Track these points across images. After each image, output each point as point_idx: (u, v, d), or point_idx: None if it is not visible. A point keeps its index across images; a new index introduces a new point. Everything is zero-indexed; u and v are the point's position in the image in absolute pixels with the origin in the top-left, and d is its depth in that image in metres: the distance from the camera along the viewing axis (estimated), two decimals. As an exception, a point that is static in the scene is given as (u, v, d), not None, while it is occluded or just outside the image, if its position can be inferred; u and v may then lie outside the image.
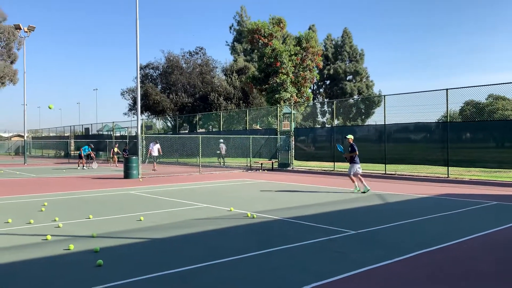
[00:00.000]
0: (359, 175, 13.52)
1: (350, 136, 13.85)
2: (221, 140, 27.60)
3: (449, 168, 18.25)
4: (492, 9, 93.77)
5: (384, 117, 20.65)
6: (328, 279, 4.84)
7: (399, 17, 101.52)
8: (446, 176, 18.07)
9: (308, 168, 24.52)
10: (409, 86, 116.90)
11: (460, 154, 18.07)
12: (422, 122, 19.88)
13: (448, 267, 5.36)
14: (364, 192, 13.13)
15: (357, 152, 13.54)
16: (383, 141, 20.58)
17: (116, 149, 29.96)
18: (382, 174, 20.05)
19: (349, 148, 13.58)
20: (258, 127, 31.84)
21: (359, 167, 13.53)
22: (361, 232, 7.38)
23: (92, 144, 29.29)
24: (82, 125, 49.96)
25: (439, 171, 19.21)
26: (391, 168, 20.69)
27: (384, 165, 20.51)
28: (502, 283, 4.79)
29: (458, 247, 6.41)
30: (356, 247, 6.40)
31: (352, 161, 13.56)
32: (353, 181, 13.55)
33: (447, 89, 18.09)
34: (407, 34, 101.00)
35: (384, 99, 21.00)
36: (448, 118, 18.92)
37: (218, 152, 27.66)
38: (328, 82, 65.20)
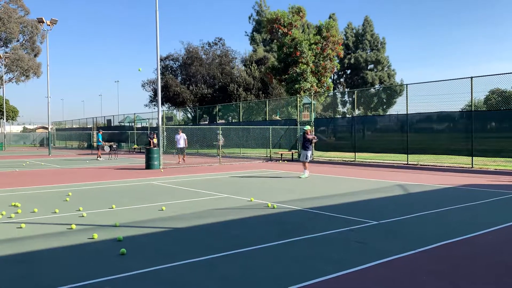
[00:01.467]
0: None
1: (308, 128, 15.60)
2: (219, 132, 27.77)
3: (474, 158, 17.87)
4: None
5: (407, 106, 20.30)
6: (350, 269, 4.81)
7: (421, 4, 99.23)
8: (470, 166, 17.71)
9: (329, 158, 24.37)
10: (432, 75, 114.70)
11: (485, 144, 17.66)
12: (446, 111, 19.47)
13: (472, 259, 5.26)
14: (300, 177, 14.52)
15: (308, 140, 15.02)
16: (405, 131, 20.25)
17: (155, 140, 25.85)
18: (405, 164, 19.77)
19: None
20: (277, 117, 31.77)
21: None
22: (383, 223, 7.31)
23: (102, 130, 28.82)
24: (104, 116, 50.79)
25: (463, 161, 18.83)
26: (414, 159, 20.37)
27: (406, 155, 20.21)
28: (529, 275, 4.67)
29: (482, 238, 6.28)
30: (378, 238, 6.34)
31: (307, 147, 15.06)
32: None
33: (471, 77, 17.65)
34: (429, 21, 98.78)
35: (406, 88, 20.63)
36: (473, 107, 18.48)
37: (215, 143, 27.73)
38: (348, 71, 64.46)
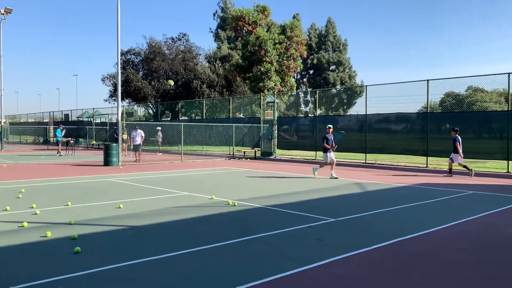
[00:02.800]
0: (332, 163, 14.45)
1: (330, 126, 14.83)
2: (159, 128, 27.84)
3: (428, 158, 18.55)
4: (472, 2, 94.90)
5: (366, 107, 20.83)
6: (308, 266, 4.89)
7: (382, 7, 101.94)
8: (425, 166, 18.38)
9: (291, 157, 24.63)
10: (391, 77, 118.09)
11: (439, 145, 18.36)
12: (403, 113, 20.11)
13: (424, 255, 5.46)
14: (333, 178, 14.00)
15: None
16: (364, 131, 20.76)
17: (125, 136, 25.43)
18: (363, 163, 20.26)
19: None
20: (241, 115, 31.80)
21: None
22: (341, 220, 7.46)
23: (61, 125, 28.05)
24: (62, 111, 49.06)
25: (419, 160, 19.52)
26: (372, 158, 20.92)
27: (364, 154, 20.73)
28: (474, 271, 4.91)
29: (433, 235, 6.54)
30: (336, 235, 6.47)
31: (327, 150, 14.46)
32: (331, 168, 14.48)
33: (428, 80, 18.31)
34: (390, 25, 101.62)
35: (366, 89, 21.15)
36: (428, 109, 19.17)
37: (153, 139, 27.76)
38: (311, 71, 65.33)
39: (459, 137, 15.38)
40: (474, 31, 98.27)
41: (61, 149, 26.36)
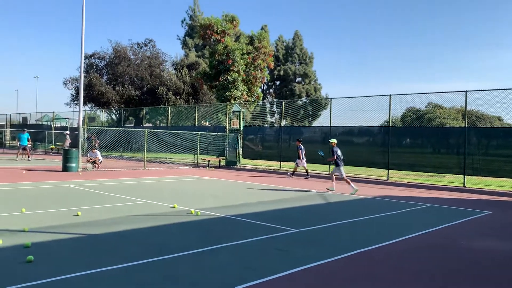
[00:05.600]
0: (344, 177, 13.91)
1: (333, 140, 14.52)
2: (66, 132, 28.16)
3: (389, 171, 19.02)
4: (435, 22, 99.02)
5: (330, 119, 21.16)
6: (270, 277, 4.85)
7: (348, 23, 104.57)
8: (386, 178, 18.81)
9: (255, 166, 24.64)
10: (356, 91, 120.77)
11: (399, 158, 18.87)
12: (366, 126, 20.57)
13: (383, 266, 5.54)
14: (352, 194, 13.36)
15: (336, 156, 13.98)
16: (328, 143, 21.03)
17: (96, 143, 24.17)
18: (326, 175, 20.52)
19: (330, 152, 14.24)
20: (207, 124, 31.61)
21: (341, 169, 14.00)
22: (303, 231, 7.48)
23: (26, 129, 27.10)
24: (20, 113, 47.19)
25: (380, 173, 19.96)
26: (335, 169, 21.21)
27: (327, 166, 21.00)
28: (427, 281, 5.02)
29: (393, 247, 6.66)
30: (298, 245, 6.47)
31: (337, 164, 13.99)
32: (333, 181, 14.07)
33: (390, 95, 18.84)
34: (355, 40, 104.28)
35: (331, 102, 21.52)
36: (390, 123, 19.69)
37: (58, 144, 27.89)
38: (278, 82, 65.90)
39: (302, 146, 18.93)
40: (433, 49, 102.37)
41: (20, 154, 25.21)
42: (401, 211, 10.38)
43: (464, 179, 16.82)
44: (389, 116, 19.35)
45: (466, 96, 16.73)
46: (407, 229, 8.03)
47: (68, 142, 27.77)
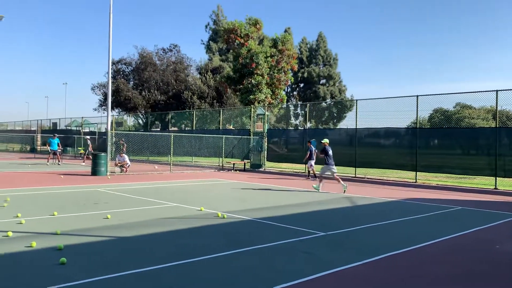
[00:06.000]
0: (335, 176, 14.68)
1: (326, 140, 15.26)
2: (88, 137, 29.49)
3: (417, 173, 18.66)
4: (462, 21, 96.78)
5: (356, 121, 20.93)
6: (298, 280, 4.83)
7: (372, 24, 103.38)
8: (414, 181, 18.46)
9: (280, 169, 24.60)
10: (381, 92, 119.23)
11: (427, 160, 18.49)
12: (392, 128, 20.25)
13: (413, 270, 5.44)
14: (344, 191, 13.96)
15: (326, 155, 14.76)
16: (354, 145, 20.85)
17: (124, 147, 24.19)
18: (352, 177, 20.30)
19: (322, 151, 14.98)
20: (231, 127, 31.73)
21: (332, 168, 14.69)
22: (330, 234, 7.43)
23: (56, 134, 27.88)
24: (50, 119, 48.58)
25: (407, 175, 19.60)
26: (361, 172, 20.98)
27: (354, 168, 20.78)
28: (459, 285, 4.90)
29: (423, 250, 6.52)
30: (325, 249, 6.42)
31: (324, 162, 14.86)
32: (320, 181, 14.87)
33: (417, 96, 18.50)
34: (380, 41, 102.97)
35: (356, 103, 21.28)
36: (418, 124, 19.34)
37: (80, 148, 28.52)
38: (302, 85, 65.70)
39: (312, 147, 19.05)
40: (464, 49, 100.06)
41: (51, 158, 25.90)
42: (430, 213, 10.16)
43: (495, 181, 16.35)
44: (417, 117, 19.00)
45: (496, 95, 16.27)
46: (438, 232, 7.86)
47: (90, 147, 28.32)
